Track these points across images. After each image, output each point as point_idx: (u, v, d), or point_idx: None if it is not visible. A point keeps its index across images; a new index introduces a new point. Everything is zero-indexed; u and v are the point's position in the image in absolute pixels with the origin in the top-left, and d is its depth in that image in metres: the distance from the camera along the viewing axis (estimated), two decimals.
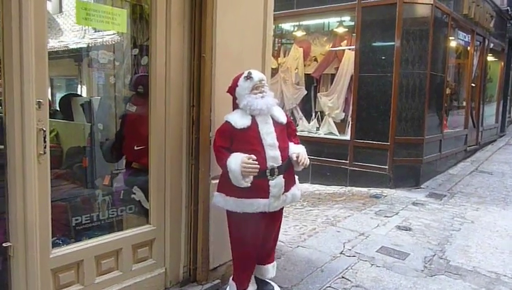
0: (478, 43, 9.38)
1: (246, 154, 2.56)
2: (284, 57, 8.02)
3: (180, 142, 2.95)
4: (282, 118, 2.80)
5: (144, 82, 3.00)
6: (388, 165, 6.42)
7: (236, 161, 2.54)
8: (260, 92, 2.68)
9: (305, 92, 7.70)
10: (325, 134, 7.38)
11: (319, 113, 7.62)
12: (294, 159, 2.75)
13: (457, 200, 5.86)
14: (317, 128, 7.55)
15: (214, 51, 2.88)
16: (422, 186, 6.57)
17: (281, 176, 2.68)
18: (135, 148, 3.11)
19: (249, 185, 2.56)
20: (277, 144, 2.67)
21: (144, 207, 3.01)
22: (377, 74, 6.47)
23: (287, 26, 8.08)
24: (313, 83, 7.74)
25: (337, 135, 7.23)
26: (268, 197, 2.65)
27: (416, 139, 6.51)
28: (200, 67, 2.84)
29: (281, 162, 2.67)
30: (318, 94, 7.57)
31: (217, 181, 2.83)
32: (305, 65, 7.73)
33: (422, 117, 6.49)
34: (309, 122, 7.67)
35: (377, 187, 6.44)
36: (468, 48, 8.85)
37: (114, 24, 2.60)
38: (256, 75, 2.71)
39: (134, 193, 3.07)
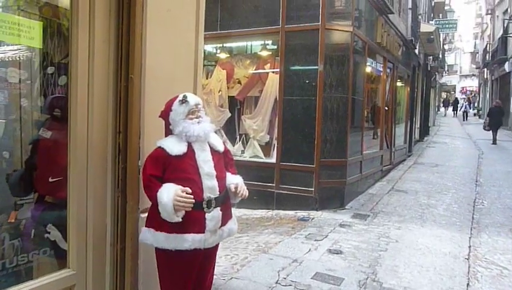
0: (389, 69, 10.04)
1: (180, 186, 2.32)
2: (207, 78, 7.87)
3: (105, 172, 2.62)
4: (220, 146, 2.61)
5: (61, 104, 2.63)
6: (314, 187, 6.46)
7: (169, 193, 2.29)
8: (196, 117, 2.48)
9: (229, 115, 7.58)
10: (250, 157, 7.28)
11: (243, 136, 7.54)
12: (233, 190, 2.56)
13: (380, 220, 6.06)
14: (242, 152, 7.44)
15: (143, 71, 2.62)
16: (346, 207, 6.72)
17: (218, 208, 2.47)
18: (50, 180, 2.71)
19: (180, 220, 2.32)
20: (215, 173, 2.48)
21: (61, 248, 2.60)
22: (301, 97, 6.55)
23: (209, 47, 7.95)
24: (237, 106, 7.66)
25: (262, 158, 7.16)
26: (204, 232, 2.42)
27: (340, 161, 6.65)
28: (127, 90, 2.56)
29: (218, 193, 2.47)
30: (242, 117, 7.50)
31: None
32: (228, 87, 7.63)
33: (345, 139, 6.68)
34: (234, 146, 7.53)
35: (303, 210, 6.44)
36: (381, 74, 9.42)
37: (27, 38, 2.24)
38: (192, 98, 2.51)
39: (49, 232, 2.65)
